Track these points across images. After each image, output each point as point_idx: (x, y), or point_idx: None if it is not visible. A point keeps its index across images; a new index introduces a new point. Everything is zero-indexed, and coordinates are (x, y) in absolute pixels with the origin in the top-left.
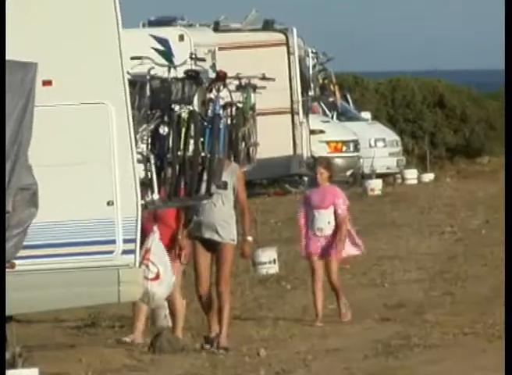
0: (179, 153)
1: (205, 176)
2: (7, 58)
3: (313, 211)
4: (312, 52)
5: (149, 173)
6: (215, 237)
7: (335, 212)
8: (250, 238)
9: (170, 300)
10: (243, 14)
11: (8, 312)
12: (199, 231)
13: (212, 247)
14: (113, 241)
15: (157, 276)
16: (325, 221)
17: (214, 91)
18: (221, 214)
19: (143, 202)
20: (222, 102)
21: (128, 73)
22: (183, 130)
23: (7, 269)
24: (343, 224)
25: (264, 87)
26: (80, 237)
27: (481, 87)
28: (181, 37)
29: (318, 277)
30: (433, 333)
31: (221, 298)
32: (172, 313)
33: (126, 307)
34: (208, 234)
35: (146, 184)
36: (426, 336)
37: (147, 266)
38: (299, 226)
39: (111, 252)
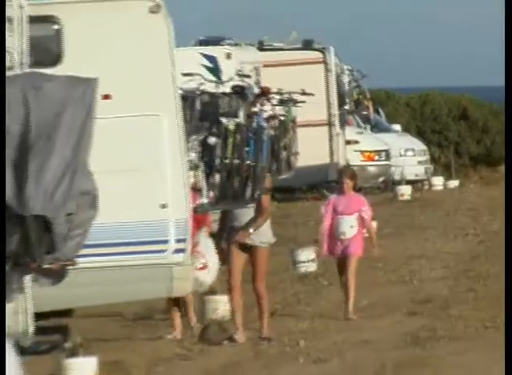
0: (226, 161)
1: (249, 183)
2: (69, 74)
3: (338, 216)
4: (348, 70)
5: (199, 179)
6: (249, 241)
7: (361, 218)
8: (251, 230)
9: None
10: (285, 34)
11: (70, 306)
12: (235, 235)
13: (246, 249)
14: (166, 241)
15: (204, 266)
16: (348, 226)
17: (258, 105)
18: (247, 214)
19: (193, 205)
20: (265, 115)
21: (180, 88)
22: (230, 141)
23: (69, 267)
24: (370, 226)
25: (303, 102)
26: (135, 237)
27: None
28: (228, 56)
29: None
30: (457, 326)
31: (258, 294)
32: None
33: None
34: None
35: (196, 189)
36: (451, 329)
37: (196, 258)
38: (323, 229)
39: (164, 251)
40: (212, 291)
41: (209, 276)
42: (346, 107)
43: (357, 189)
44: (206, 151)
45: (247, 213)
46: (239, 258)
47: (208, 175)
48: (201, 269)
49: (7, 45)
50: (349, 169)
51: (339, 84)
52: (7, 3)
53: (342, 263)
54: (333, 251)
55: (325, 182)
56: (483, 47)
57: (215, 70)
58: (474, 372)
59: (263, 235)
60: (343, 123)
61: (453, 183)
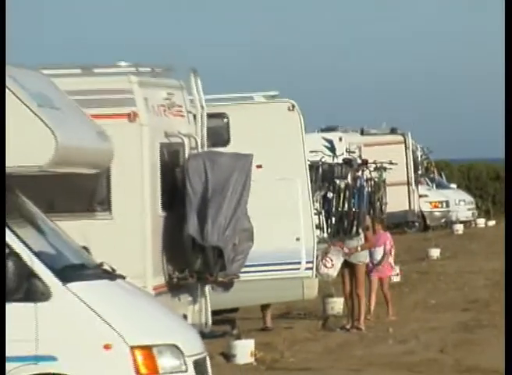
0: (339, 209)
1: (354, 223)
2: (234, 151)
3: (373, 248)
4: (420, 147)
5: (321, 221)
6: (353, 260)
7: (385, 248)
8: (359, 249)
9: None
10: (377, 124)
11: (236, 306)
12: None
13: (350, 266)
14: (299, 263)
15: (332, 266)
16: (379, 254)
17: (360, 171)
18: (353, 243)
19: (317, 238)
20: (365, 178)
21: (308, 160)
22: (341, 195)
23: (235, 280)
24: (389, 253)
25: (390, 169)
26: (279, 260)
27: None
28: (340, 139)
29: (374, 287)
30: (496, 318)
31: (358, 297)
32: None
33: (308, 304)
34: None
35: (319, 227)
36: (490, 320)
37: (327, 260)
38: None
39: (298, 269)
40: (330, 295)
41: (334, 273)
42: (419, 172)
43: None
44: (325, 202)
45: (351, 243)
46: (347, 273)
47: (327, 218)
48: (330, 267)
49: (192, 132)
50: (380, 218)
51: (414, 157)
52: (192, 103)
53: (374, 280)
54: (370, 271)
55: (404, 222)
56: None
57: (331, 148)
58: None
59: (362, 256)
60: (417, 183)
61: (491, 223)
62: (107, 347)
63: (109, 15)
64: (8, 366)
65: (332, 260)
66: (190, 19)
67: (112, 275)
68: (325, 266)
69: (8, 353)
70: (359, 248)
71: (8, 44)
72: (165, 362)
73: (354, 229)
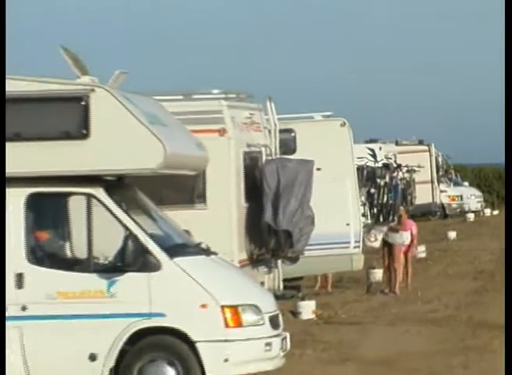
0: (379, 201)
1: (391, 212)
2: (300, 158)
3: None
4: (441, 154)
5: (365, 210)
6: (390, 240)
7: (411, 233)
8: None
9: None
10: (408, 136)
11: (301, 275)
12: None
13: (389, 245)
14: (349, 242)
15: (375, 240)
16: (406, 237)
17: (395, 173)
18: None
19: (362, 224)
20: (399, 177)
21: (356, 164)
22: (381, 191)
23: (301, 255)
24: (415, 238)
25: (419, 171)
26: (334, 240)
27: None
28: (380, 148)
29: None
30: (498, 285)
31: (394, 269)
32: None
33: (356, 273)
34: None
35: (364, 215)
36: (495, 286)
37: (372, 235)
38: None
39: (348, 247)
40: (373, 267)
41: (377, 244)
42: (440, 173)
43: (445, 215)
44: (369, 196)
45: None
46: (386, 250)
47: (370, 208)
48: (373, 241)
49: (267, 143)
50: (405, 209)
51: (437, 162)
52: (267, 121)
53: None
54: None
55: (429, 211)
56: None
57: (373, 155)
58: None
59: (397, 237)
60: (439, 181)
61: (496, 212)
62: (203, 306)
63: (207, 54)
64: (129, 320)
65: (375, 235)
66: (274, 58)
67: (207, 252)
68: (369, 240)
69: (128, 311)
70: (395, 229)
71: (129, 77)
72: (248, 317)
73: (391, 217)
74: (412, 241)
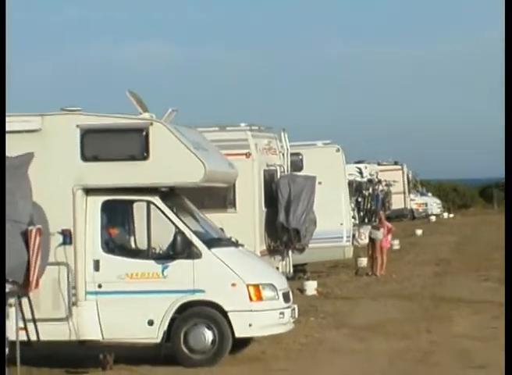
0: (365, 207)
1: (374, 215)
2: (305, 174)
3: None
4: (411, 172)
5: (354, 214)
6: (372, 236)
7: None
8: (379, 231)
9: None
10: (385, 158)
11: (306, 261)
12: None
13: (372, 240)
14: (342, 237)
15: (364, 238)
16: (381, 233)
17: (377, 186)
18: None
19: (352, 223)
20: (380, 189)
21: (348, 179)
22: (366, 199)
23: (306, 247)
24: (389, 233)
25: (394, 184)
26: (330, 235)
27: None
28: (365, 167)
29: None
30: (455, 269)
31: (376, 258)
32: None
33: (347, 261)
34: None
35: (353, 217)
36: (452, 270)
37: (361, 235)
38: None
39: (341, 241)
40: (359, 256)
41: (365, 242)
42: (411, 186)
43: (413, 218)
44: (357, 203)
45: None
46: (370, 243)
47: (358, 212)
48: (363, 239)
49: (281, 163)
50: (382, 213)
51: (408, 178)
52: (281, 147)
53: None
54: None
55: (401, 214)
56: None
57: (360, 173)
58: (463, 287)
59: (378, 234)
60: (409, 192)
61: (451, 215)
62: (233, 285)
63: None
64: (177, 295)
65: (363, 234)
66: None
67: (236, 244)
68: (361, 239)
69: (177, 288)
70: (377, 228)
71: (178, 113)
72: (266, 293)
73: (373, 218)
74: (387, 235)
